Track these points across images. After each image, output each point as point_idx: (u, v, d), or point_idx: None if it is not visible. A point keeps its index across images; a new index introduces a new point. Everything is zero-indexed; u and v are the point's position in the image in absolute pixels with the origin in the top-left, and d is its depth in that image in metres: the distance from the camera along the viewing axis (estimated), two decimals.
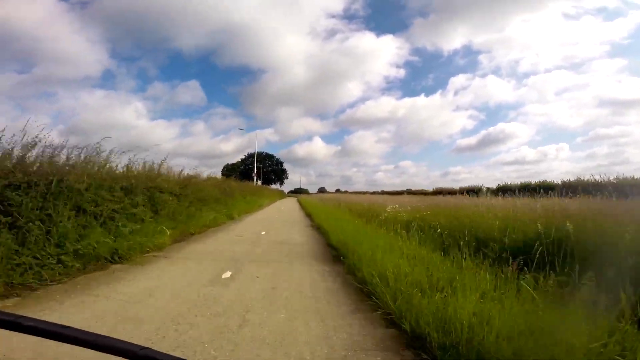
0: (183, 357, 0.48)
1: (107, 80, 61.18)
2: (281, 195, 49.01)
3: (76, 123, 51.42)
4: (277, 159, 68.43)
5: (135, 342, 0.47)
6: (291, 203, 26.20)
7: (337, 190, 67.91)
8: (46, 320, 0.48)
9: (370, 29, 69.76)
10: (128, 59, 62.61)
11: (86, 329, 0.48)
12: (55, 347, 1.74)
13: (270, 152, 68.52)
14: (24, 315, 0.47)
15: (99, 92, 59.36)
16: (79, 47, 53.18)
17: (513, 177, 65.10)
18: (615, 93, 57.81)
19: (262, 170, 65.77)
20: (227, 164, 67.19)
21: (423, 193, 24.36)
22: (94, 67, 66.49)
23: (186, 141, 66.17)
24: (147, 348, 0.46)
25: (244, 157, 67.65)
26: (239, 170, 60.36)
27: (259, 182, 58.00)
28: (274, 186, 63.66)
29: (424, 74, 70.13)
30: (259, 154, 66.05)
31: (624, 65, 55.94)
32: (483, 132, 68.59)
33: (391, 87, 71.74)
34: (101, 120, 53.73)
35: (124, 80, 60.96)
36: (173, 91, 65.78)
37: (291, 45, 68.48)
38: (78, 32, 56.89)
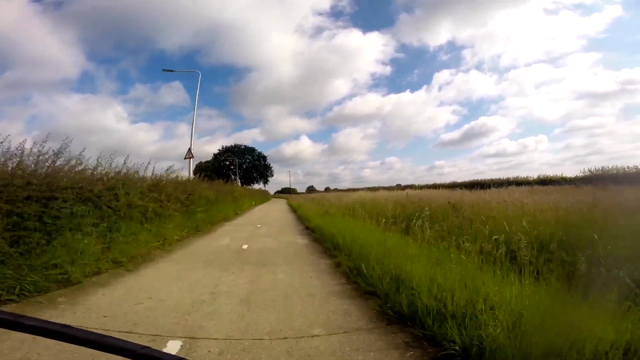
0: (183, 357, 0.51)
1: (85, 84, 61.95)
2: (264, 197, 42.35)
3: (53, 128, 52.35)
4: (260, 153, 63.30)
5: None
6: (279, 219, 13.13)
7: (327, 189, 69.63)
8: (47, 319, 0.50)
9: (357, 26, 71.08)
10: (107, 61, 62.70)
11: (87, 326, 0.84)
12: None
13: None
14: (25, 314, 0.48)
15: (76, 95, 59.99)
16: (53, 49, 52.77)
17: (495, 169, 72.54)
18: (591, 86, 63.18)
19: (242, 167, 61.56)
20: (201, 162, 62.53)
21: (451, 186, 21.47)
22: (70, 70, 66.89)
23: (170, 144, 66.87)
24: (147, 347, 0.48)
25: (216, 152, 62.52)
26: (212, 168, 56.09)
27: (238, 182, 54.08)
28: (256, 186, 59.21)
29: (409, 70, 74.64)
30: (237, 148, 61.83)
31: (599, 59, 61.52)
32: (466, 127, 73.60)
33: (377, 83, 75.75)
34: (80, 125, 53.69)
35: (104, 82, 61.00)
36: (155, 93, 66.67)
37: (278, 43, 70.40)
38: (52, 34, 57.01)
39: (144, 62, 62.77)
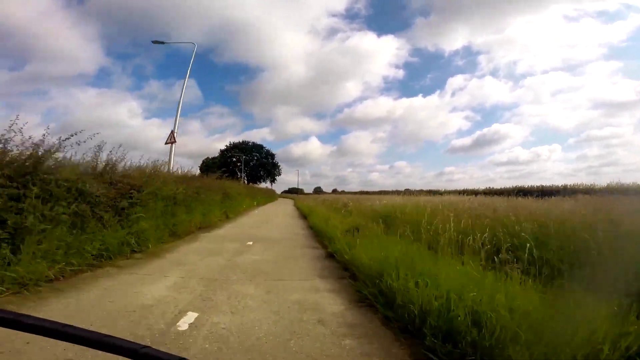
0: (184, 357, 0.48)
1: (102, 79, 62.63)
2: (269, 196, 37.44)
3: (68, 121, 52.47)
4: (268, 151, 59.83)
5: None
6: (283, 230, 9.06)
7: (334, 191, 70.14)
8: (48, 318, 0.48)
9: (372, 29, 72.67)
10: (124, 57, 63.34)
11: (88, 327, 0.50)
12: None
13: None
14: (25, 313, 0.47)
15: (93, 90, 61.40)
16: (74, 43, 54.85)
17: (505, 177, 71.40)
18: (609, 95, 62.61)
19: (250, 165, 57.88)
20: (207, 158, 59.76)
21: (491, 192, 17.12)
22: (89, 65, 69.02)
23: (180, 140, 66.85)
24: (148, 347, 0.47)
25: (224, 147, 59.31)
26: (218, 165, 52.89)
27: (244, 180, 50.74)
28: (263, 184, 55.62)
29: (422, 74, 74.34)
30: (244, 144, 58.21)
31: (619, 68, 60.68)
32: (478, 133, 73.09)
33: (390, 87, 75.97)
34: (94, 119, 55.14)
35: (120, 78, 62.15)
36: (169, 90, 66.97)
37: (291, 43, 73.09)
38: (74, 29, 58.22)
39: (159, 58, 65.35)
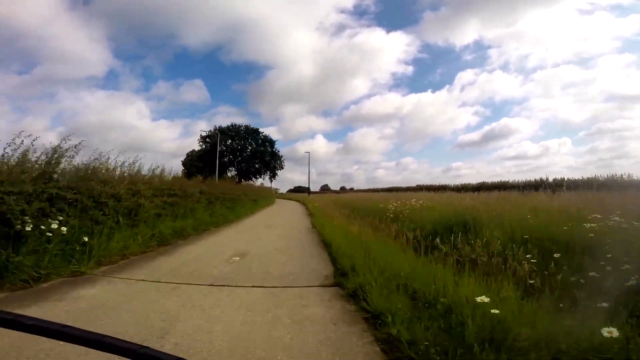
0: (182, 357, 0.49)
1: (110, 80, 62.96)
2: (261, 201, 21.92)
3: (77, 124, 52.54)
4: (266, 137, 47.13)
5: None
6: None
7: (342, 189, 64.68)
8: (47, 319, 0.49)
9: (381, 25, 71.77)
10: (132, 58, 63.55)
11: (87, 328, 0.49)
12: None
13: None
14: (24, 314, 0.48)
15: (101, 92, 61.38)
16: (81, 45, 54.97)
17: (513, 172, 69.75)
18: (622, 88, 62.00)
19: (243, 155, 46.76)
20: (193, 151, 47.67)
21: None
22: (97, 67, 68.75)
23: (188, 141, 60.65)
24: (147, 347, 0.47)
25: (205, 134, 46.84)
26: (203, 156, 41.91)
27: (236, 179, 39.81)
28: (259, 181, 44.28)
29: (432, 69, 73.33)
30: (234, 128, 46.85)
31: (633, 61, 61.24)
32: (486, 128, 73.54)
33: (398, 83, 73.69)
34: (103, 121, 54.19)
35: (128, 79, 62.11)
36: (177, 90, 67.09)
37: (299, 40, 73.34)
38: (80, 30, 57.24)
39: (168, 58, 65.11)
